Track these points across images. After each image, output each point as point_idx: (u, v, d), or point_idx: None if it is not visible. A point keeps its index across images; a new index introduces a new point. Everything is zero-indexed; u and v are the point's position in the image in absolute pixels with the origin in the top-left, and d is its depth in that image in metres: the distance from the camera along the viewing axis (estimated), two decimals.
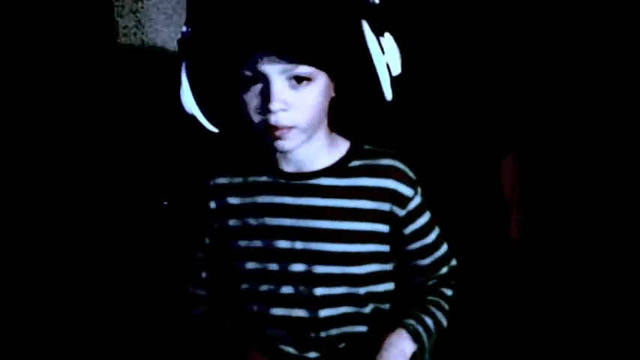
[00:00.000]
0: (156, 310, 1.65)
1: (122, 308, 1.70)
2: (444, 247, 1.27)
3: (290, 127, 1.11)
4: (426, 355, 1.19)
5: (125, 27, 1.76)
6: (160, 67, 1.76)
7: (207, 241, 1.27)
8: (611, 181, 1.65)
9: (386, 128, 1.37)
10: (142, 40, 1.77)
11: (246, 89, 1.11)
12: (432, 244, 1.25)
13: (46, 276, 1.74)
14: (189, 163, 1.67)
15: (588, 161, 1.66)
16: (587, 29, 1.63)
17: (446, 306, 1.25)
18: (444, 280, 1.27)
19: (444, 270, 1.27)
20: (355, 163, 1.20)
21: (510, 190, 1.68)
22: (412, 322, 1.19)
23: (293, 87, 1.10)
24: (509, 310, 1.64)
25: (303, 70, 1.09)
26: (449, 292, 1.26)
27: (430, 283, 1.27)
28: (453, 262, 1.29)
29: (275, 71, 1.08)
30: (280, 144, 1.12)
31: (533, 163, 1.69)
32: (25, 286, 1.73)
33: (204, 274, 1.28)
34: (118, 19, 1.76)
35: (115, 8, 1.76)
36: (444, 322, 1.24)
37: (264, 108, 1.09)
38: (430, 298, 1.25)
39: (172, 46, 1.78)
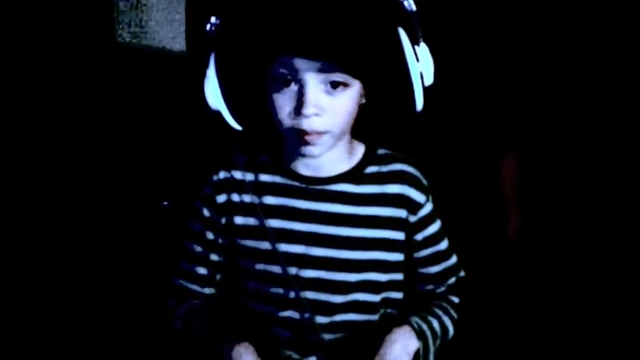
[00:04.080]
0: (155, 310, 1.64)
1: (122, 309, 1.70)
2: (454, 257, 1.27)
3: (321, 133, 1.08)
4: (431, 357, 1.18)
5: (125, 27, 1.76)
6: (159, 67, 1.76)
7: (210, 236, 1.21)
8: (610, 181, 1.66)
9: (388, 129, 1.38)
10: (142, 40, 1.77)
11: (278, 90, 1.08)
12: (443, 251, 1.25)
13: (45, 276, 1.74)
14: (190, 163, 1.67)
15: (588, 161, 1.66)
16: (587, 29, 1.63)
17: (453, 312, 1.24)
18: (452, 289, 1.27)
19: (452, 280, 1.27)
20: (371, 169, 1.19)
21: (510, 191, 1.68)
22: (417, 320, 1.18)
23: (328, 92, 1.07)
24: (509, 309, 1.64)
25: (341, 75, 1.06)
26: (456, 300, 1.26)
27: (438, 291, 1.26)
28: (462, 274, 1.28)
29: (312, 74, 1.05)
30: (309, 150, 1.10)
31: (533, 163, 1.69)
32: (25, 286, 1.73)
33: (201, 270, 1.23)
34: (118, 18, 1.76)
35: (115, 8, 1.76)
36: (451, 328, 1.22)
37: (297, 112, 1.06)
38: (437, 303, 1.24)
39: (172, 46, 1.78)
